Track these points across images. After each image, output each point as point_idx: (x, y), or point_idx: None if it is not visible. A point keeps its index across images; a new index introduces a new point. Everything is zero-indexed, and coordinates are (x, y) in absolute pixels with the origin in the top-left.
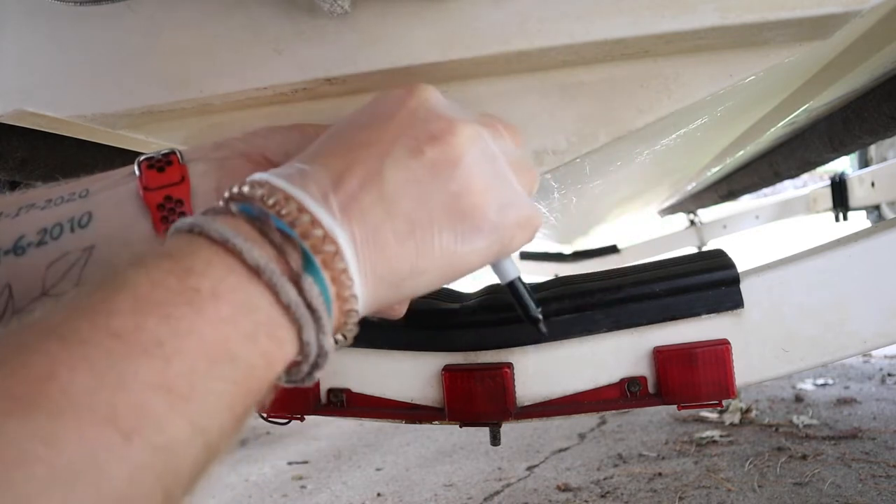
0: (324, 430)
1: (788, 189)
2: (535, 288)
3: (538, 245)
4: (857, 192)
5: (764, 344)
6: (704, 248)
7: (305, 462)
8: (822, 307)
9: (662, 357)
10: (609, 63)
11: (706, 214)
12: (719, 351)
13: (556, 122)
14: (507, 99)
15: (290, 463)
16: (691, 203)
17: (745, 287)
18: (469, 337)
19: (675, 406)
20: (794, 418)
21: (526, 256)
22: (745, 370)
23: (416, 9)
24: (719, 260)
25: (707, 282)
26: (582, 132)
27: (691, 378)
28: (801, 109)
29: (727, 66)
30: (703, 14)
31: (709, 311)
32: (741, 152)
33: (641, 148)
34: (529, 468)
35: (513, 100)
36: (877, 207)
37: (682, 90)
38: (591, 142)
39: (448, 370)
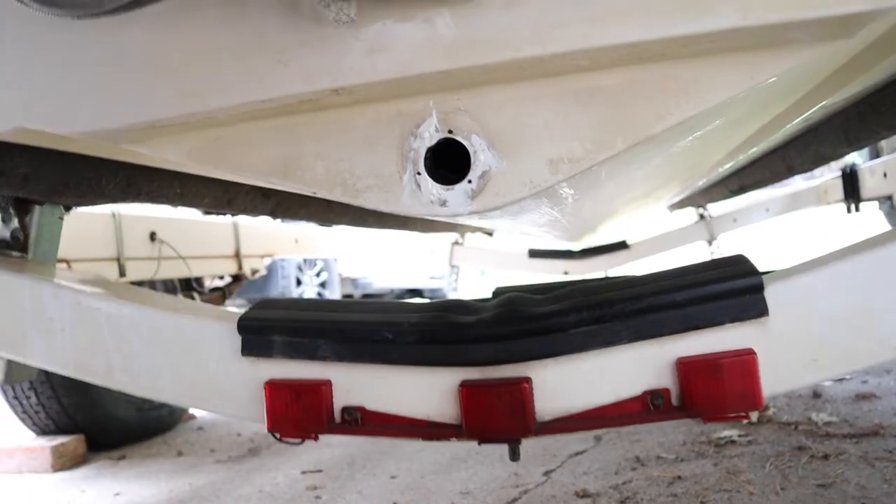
0: (337, 437)
1: (796, 180)
2: (551, 291)
3: (546, 243)
4: (869, 183)
5: (791, 353)
6: (715, 242)
7: (319, 471)
8: (851, 313)
9: (686, 368)
10: (625, 67)
11: (715, 208)
12: (745, 361)
13: (571, 128)
14: (520, 105)
15: (303, 472)
16: (701, 198)
17: (769, 294)
18: (486, 351)
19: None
20: (814, 415)
21: (535, 254)
22: (773, 380)
23: (424, 15)
24: (742, 266)
25: (730, 290)
26: (598, 139)
27: (716, 389)
28: (819, 106)
29: (749, 67)
30: (724, 15)
31: (732, 320)
32: (754, 149)
33: (658, 150)
34: (546, 473)
35: (526, 106)
36: (889, 198)
37: (701, 93)
38: (609, 149)
39: (465, 386)
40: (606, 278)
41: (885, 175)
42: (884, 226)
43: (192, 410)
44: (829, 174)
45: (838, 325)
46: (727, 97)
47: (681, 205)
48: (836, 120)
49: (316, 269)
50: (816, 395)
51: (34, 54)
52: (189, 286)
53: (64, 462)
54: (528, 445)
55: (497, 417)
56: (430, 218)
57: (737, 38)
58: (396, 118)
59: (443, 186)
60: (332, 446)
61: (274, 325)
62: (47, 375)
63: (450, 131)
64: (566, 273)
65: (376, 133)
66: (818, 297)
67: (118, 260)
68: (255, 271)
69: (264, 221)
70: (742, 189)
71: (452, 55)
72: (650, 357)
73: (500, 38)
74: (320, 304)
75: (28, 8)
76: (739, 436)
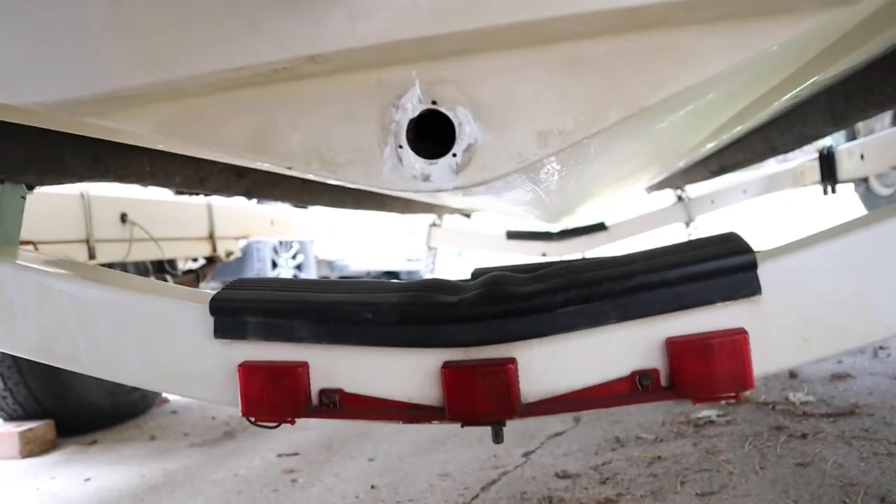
0: (314, 419)
1: (770, 163)
2: (538, 274)
3: (524, 224)
4: (846, 165)
5: (783, 332)
6: (692, 223)
7: (296, 454)
8: (844, 292)
9: (675, 348)
10: (621, 35)
11: (693, 190)
12: (736, 340)
13: (562, 99)
14: (509, 75)
15: (279, 455)
16: (680, 179)
17: (762, 272)
18: (469, 331)
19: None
20: (791, 395)
21: (513, 236)
22: (764, 360)
23: None
24: (734, 244)
25: (722, 268)
26: (590, 110)
27: (707, 370)
28: (810, 81)
29: (750, 35)
30: None
31: (724, 299)
32: (739, 127)
33: (649, 123)
34: (526, 454)
35: (514, 76)
36: (865, 180)
37: (700, 63)
38: (601, 121)
39: (448, 367)
40: (584, 259)
41: (862, 157)
42: (859, 208)
43: (165, 394)
44: (802, 157)
45: (831, 304)
46: (727, 66)
47: (660, 186)
48: (821, 99)
49: (292, 252)
50: (793, 375)
51: None
52: (161, 268)
53: (32, 448)
54: (507, 426)
55: (481, 399)
56: (409, 196)
57: (739, 3)
58: (377, 88)
59: (426, 160)
60: (309, 429)
61: (248, 306)
62: (14, 360)
63: (433, 102)
64: (544, 255)
65: (356, 104)
66: (811, 275)
67: (87, 242)
68: (229, 253)
69: (239, 202)
70: (723, 170)
71: (438, 20)
72: (639, 337)
73: (488, 1)
74: (296, 283)
75: None
76: (718, 416)
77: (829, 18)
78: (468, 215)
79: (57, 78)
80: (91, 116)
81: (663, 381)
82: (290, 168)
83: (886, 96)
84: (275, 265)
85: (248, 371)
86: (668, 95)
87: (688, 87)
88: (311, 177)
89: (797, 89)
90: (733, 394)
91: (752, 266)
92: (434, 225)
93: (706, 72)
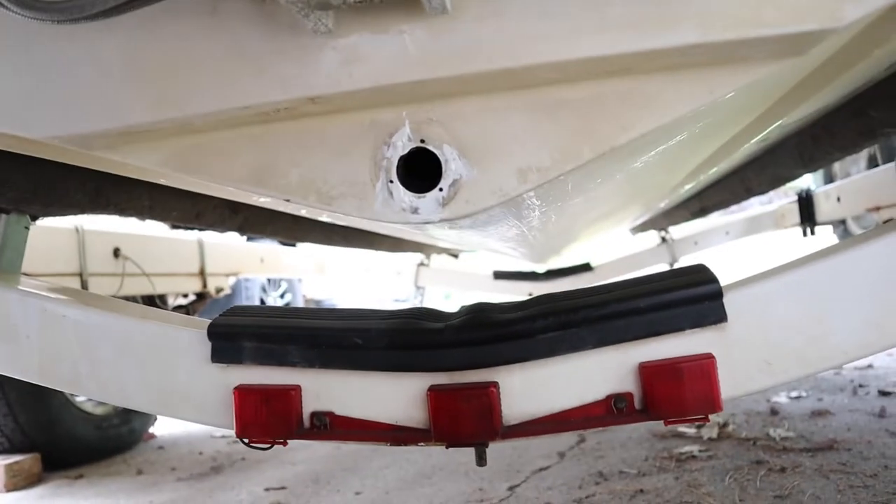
0: (300, 454)
1: (754, 205)
2: (519, 302)
3: (511, 265)
4: (824, 207)
5: (748, 357)
6: (677, 265)
7: (283, 488)
8: (804, 320)
9: (648, 372)
10: (592, 81)
11: (677, 231)
12: (704, 365)
13: (539, 139)
14: (491, 116)
15: (266, 489)
16: (663, 220)
17: (727, 301)
18: (454, 356)
19: (657, 421)
20: (771, 431)
21: (500, 276)
22: (730, 384)
23: (400, 27)
24: (702, 275)
25: (690, 297)
26: (566, 149)
27: (677, 393)
28: (774, 125)
29: (707, 82)
30: (685, 31)
31: (693, 326)
32: (714, 169)
33: (622, 164)
34: (511, 488)
35: (496, 117)
36: (843, 222)
37: (664, 107)
38: (575, 159)
39: (433, 391)
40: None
41: (838, 199)
42: None
43: (152, 429)
44: (787, 199)
45: (793, 332)
46: (688, 110)
47: (643, 227)
48: (791, 142)
49: (280, 290)
50: (774, 412)
51: (8, 57)
52: (152, 304)
53: (18, 481)
54: (492, 461)
55: (465, 421)
56: (398, 234)
57: (697, 54)
58: (370, 127)
59: (414, 194)
60: (296, 464)
61: (244, 332)
62: (3, 392)
63: (422, 140)
64: (530, 295)
65: (350, 142)
66: (774, 304)
67: (80, 275)
68: (219, 290)
69: (230, 239)
70: (703, 211)
71: (426, 66)
72: (614, 362)
73: (472, 50)
74: (290, 310)
75: (7, 12)
76: (700, 451)
77: (780, 67)
78: (456, 255)
79: (72, 114)
80: (102, 151)
81: (637, 404)
82: (288, 200)
83: (849, 140)
84: (263, 304)
85: (243, 394)
86: (637, 136)
87: (654, 128)
88: (304, 212)
89: (764, 133)
90: (702, 415)
91: (718, 295)
92: (422, 265)
93: (669, 115)
